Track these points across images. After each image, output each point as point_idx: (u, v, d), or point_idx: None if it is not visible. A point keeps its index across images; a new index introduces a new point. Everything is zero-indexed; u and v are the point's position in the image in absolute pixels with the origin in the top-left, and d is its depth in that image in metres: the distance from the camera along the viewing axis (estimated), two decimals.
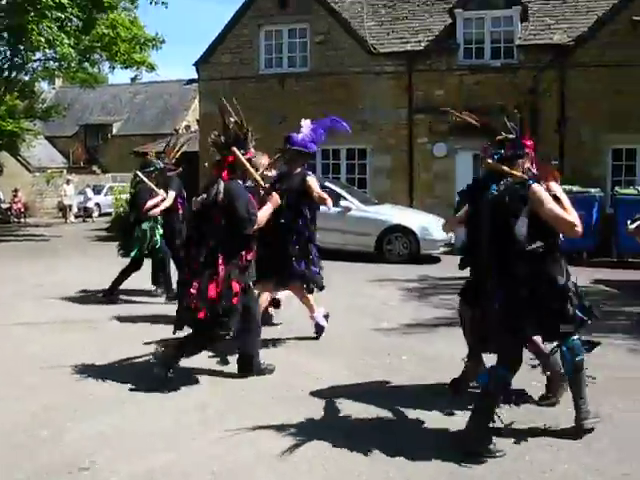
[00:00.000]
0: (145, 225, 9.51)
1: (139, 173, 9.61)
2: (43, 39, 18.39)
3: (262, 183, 6.07)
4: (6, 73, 23.19)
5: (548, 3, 19.14)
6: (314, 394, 5.52)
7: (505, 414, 4.80)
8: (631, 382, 5.89)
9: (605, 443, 4.55)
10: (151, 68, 22.42)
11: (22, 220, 30.89)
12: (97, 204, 33.42)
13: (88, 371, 6.08)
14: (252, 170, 5.89)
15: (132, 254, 9.63)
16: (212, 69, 20.61)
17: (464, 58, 18.59)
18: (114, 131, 44.90)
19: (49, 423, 4.86)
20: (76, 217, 31.35)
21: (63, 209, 31.83)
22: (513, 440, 4.57)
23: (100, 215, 32.24)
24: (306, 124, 7.11)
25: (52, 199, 35.70)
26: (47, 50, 19.68)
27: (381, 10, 20.47)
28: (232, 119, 5.95)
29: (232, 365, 6.16)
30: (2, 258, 15.56)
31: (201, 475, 4.09)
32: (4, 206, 31.62)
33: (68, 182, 31.94)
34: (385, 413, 5.08)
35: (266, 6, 19.98)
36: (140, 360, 6.50)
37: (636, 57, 16.96)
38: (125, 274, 9.80)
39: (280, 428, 4.77)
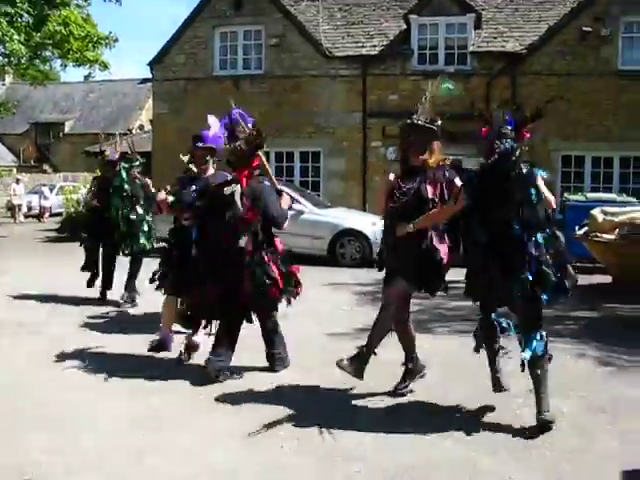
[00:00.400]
0: (149, 218, 9.57)
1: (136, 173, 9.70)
2: None
3: (277, 184, 6.48)
4: None
5: (501, 11, 19.44)
6: (270, 398, 5.51)
7: None
8: (576, 387, 5.96)
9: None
10: (104, 67, 22.13)
11: None
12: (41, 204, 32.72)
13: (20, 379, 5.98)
14: (270, 172, 6.62)
15: (148, 248, 9.53)
16: (166, 69, 20.43)
17: (418, 63, 18.75)
18: (66, 129, 44.22)
19: None
20: (26, 217, 30.70)
21: (12, 209, 31.16)
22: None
23: (50, 215, 31.65)
24: (213, 121, 6.78)
25: (1, 198, 34.95)
26: None
27: (336, 14, 20.54)
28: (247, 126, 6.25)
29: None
30: None
31: None
32: None
33: (18, 181, 31.28)
34: (338, 415, 5.09)
35: (221, 7, 19.90)
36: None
37: (585, 66, 17.38)
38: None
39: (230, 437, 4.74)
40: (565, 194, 15.74)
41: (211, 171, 6.88)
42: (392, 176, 5.55)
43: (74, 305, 9.46)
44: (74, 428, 4.87)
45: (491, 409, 5.36)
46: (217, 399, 5.53)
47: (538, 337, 5.02)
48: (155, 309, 8.08)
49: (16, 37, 18.57)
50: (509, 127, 5.03)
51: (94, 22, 21.14)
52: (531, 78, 17.85)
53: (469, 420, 5.13)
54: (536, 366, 4.95)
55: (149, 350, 6.84)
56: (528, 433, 4.83)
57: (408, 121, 5.54)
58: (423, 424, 5.00)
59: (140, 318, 8.67)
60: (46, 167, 42.08)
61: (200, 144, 6.79)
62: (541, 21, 18.80)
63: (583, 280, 12.54)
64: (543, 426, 4.83)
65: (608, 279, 12.14)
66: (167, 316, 6.90)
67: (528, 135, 5.09)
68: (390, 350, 5.84)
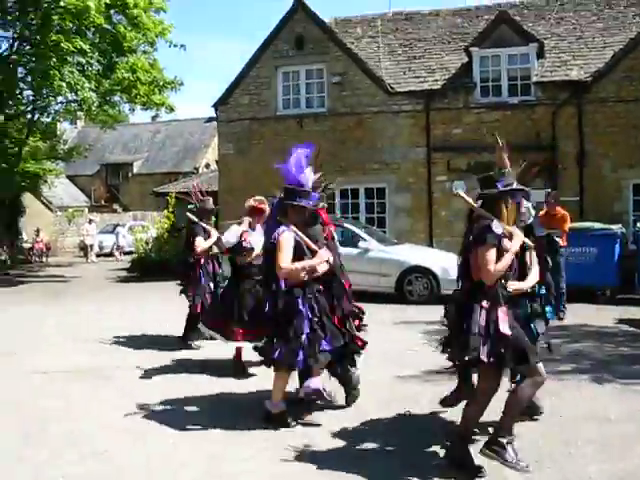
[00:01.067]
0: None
1: (189, 215, 9.68)
2: (65, 84, 18.64)
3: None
4: (29, 115, 23.59)
5: (564, 39, 19.22)
6: (338, 447, 5.46)
7: None
8: None
9: None
10: (170, 109, 22.67)
11: (44, 260, 31.11)
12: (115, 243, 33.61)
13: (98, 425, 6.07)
14: None
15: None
16: (231, 110, 20.80)
17: (481, 96, 18.63)
18: (135, 170, 45.40)
19: None
20: (97, 256, 31.50)
21: (84, 248, 32.05)
22: None
23: (122, 254, 32.45)
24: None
25: (73, 238, 36.01)
26: (68, 94, 19.92)
27: (397, 49, 20.64)
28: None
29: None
30: (23, 299, 15.68)
31: None
32: (26, 246, 31.88)
33: (90, 221, 32.22)
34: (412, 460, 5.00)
35: (283, 47, 20.21)
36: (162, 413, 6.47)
37: None
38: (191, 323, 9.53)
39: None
40: (638, 224, 15.35)
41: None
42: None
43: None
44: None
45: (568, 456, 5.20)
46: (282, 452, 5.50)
47: None
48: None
49: (87, 85, 19.21)
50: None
51: (160, 67, 21.72)
52: (597, 106, 17.53)
53: (541, 470, 4.98)
54: None
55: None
56: None
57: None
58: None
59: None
60: (116, 207, 43.21)
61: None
62: (606, 47, 18.50)
63: None
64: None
65: None
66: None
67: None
68: None
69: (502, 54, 18.53)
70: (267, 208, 7.55)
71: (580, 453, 5.29)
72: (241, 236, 7.85)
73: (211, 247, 9.42)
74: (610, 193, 17.34)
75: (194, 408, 6.70)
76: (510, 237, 4.95)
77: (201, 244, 9.34)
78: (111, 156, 46.71)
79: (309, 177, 6.20)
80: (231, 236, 7.91)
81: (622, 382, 7.52)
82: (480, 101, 18.59)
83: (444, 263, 14.65)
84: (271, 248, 6.01)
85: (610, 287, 14.39)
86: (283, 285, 5.92)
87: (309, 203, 6.13)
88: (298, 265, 5.93)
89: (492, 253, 4.80)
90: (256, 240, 7.75)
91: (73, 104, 22.19)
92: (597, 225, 14.59)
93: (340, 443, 5.60)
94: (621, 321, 11.64)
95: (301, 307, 5.91)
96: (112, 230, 34.77)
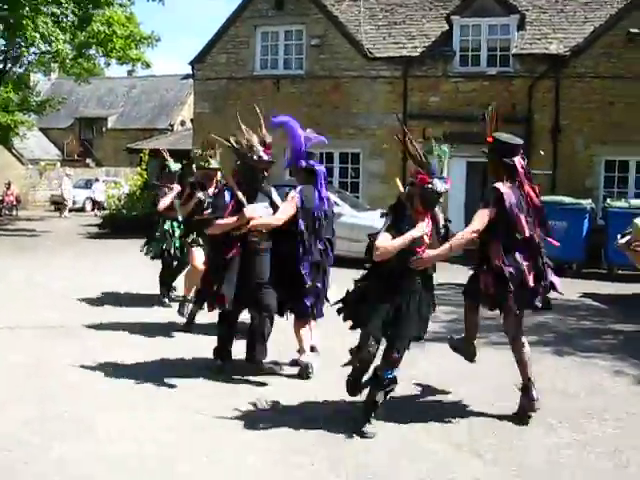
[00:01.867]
0: (167, 225, 9.58)
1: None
2: (38, 34, 18.31)
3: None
4: (0, 65, 23.11)
5: (545, 12, 19.16)
6: (298, 411, 5.51)
7: None
8: (612, 408, 5.87)
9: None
10: (147, 65, 22.39)
11: (14, 213, 30.75)
12: (90, 198, 33.34)
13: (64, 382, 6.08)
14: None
15: (151, 254, 9.73)
16: (207, 68, 20.57)
17: (460, 65, 18.59)
18: (109, 124, 44.78)
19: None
20: (70, 211, 31.16)
21: (56, 202, 31.68)
22: None
23: (93, 209, 32.22)
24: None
25: (45, 192, 35.61)
26: (42, 45, 19.55)
27: (378, 14, 20.45)
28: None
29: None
30: None
31: None
32: None
33: (68, 176, 31.82)
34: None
35: (263, 7, 19.96)
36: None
37: (631, 69, 17.02)
38: (162, 279, 9.76)
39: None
40: (608, 200, 15.49)
41: None
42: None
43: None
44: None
45: (524, 423, 5.33)
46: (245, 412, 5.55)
47: None
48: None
49: (61, 37, 18.85)
50: None
51: (137, 21, 21.39)
52: (574, 81, 17.58)
53: (493, 438, 5.08)
54: None
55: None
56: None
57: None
58: (442, 440, 4.98)
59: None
60: (89, 161, 42.67)
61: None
62: (586, 22, 18.50)
63: (624, 290, 12.53)
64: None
65: None
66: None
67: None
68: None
69: (483, 24, 18.46)
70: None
71: (537, 424, 5.40)
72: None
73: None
74: (582, 168, 17.49)
75: (159, 367, 6.71)
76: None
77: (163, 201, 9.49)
78: (85, 110, 45.99)
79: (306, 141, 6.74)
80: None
81: (582, 355, 7.67)
82: (458, 70, 18.55)
83: None
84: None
85: (577, 261, 14.60)
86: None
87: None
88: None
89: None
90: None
91: (47, 55, 21.79)
92: (567, 199, 14.72)
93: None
94: (585, 295, 11.82)
95: None
96: (85, 185, 34.43)
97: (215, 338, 6.64)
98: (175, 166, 9.86)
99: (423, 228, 5.08)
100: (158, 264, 9.87)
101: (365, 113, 19.07)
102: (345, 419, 5.30)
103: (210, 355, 6.64)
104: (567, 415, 5.62)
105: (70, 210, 31.30)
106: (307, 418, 5.36)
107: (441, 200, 5.18)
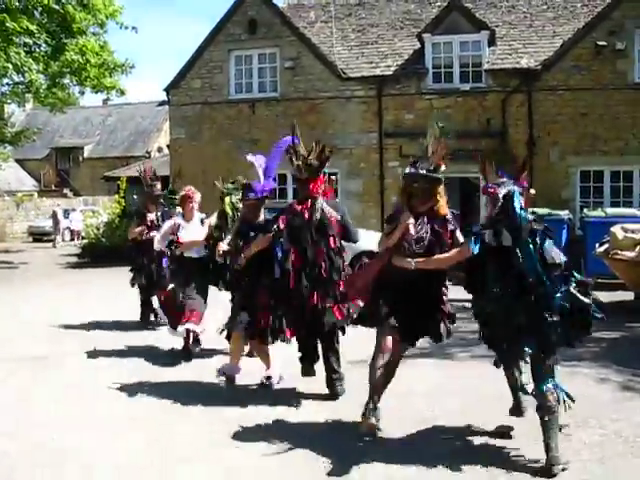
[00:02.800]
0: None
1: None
2: (11, 65, 18.21)
3: None
4: None
5: (515, 27, 19.44)
6: (289, 433, 5.48)
7: None
8: (597, 415, 5.89)
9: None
10: (121, 93, 22.25)
11: None
12: (69, 228, 33.25)
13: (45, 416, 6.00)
14: None
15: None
16: (182, 94, 20.61)
17: (433, 82, 18.76)
18: (85, 154, 44.69)
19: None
20: (44, 241, 31.06)
21: (45, 234, 32.08)
22: None
23: (72, 239, 32.06)
24: (257, 161, 6.94)
25: (23, 223, 35.34)
26: (15, 76, 19.49)
27: (350, 35, 20.64)
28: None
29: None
30: None
31: None
32: None
33: (59, 206, 32.50)
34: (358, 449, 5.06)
35: (236, 31, 20.06)
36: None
37: (601, 81, 17.31)
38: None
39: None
40: (585, 210, 15.64)
41: (262, 217, 6.92)
42: (412, 221, 5.38)
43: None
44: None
45: (509, 437, 5.31)
46: (235, 434, 5.51)
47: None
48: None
49: (34, 67, 18.79)
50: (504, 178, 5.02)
51: (110, 49, 21.28)
52: (546, 94, 17.80)
53: (483, 451, 5.08)
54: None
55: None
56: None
57: (412, 171, 5.44)
58: (441, 455, 4.97)
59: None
60: (66, 191, 42.48)
61: (252, 195, 6.79)
62: (555, 36, 18.78)
63: (605, 298, 12.54)
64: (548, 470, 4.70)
65: (630, 296, 11.98)
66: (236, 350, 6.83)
67: (525, 183, 5.08)
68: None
69: (454, 41, 18.67)
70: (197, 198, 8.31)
71: (526, 434, 5.40)
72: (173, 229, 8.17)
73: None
74: (558, 180, 17.67)
75: (144, 393, 6.66)
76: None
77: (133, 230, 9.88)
78: (61, 140, 45.89)
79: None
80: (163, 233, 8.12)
81: (566, 364, 7.66)
82: (432, 87, 18.73)
83: None
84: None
85: None
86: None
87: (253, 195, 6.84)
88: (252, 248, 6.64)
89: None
90: (192, 231, 8.06)
91: (20, 86, 21.68)
92: (545, 211, 14.83)
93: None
94: None
95: None
96: (62, 215, 34.27)
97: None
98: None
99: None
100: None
101: (341, 133, 19.17)
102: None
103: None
104: None
105: (48, 241, 31.21)
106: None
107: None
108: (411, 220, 5.33)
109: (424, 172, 5.34)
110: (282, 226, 6.21)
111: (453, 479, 4.63)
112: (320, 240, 6.17)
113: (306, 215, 6.21)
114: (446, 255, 5.25)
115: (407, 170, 5.40)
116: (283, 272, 6.12)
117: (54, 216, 31.62)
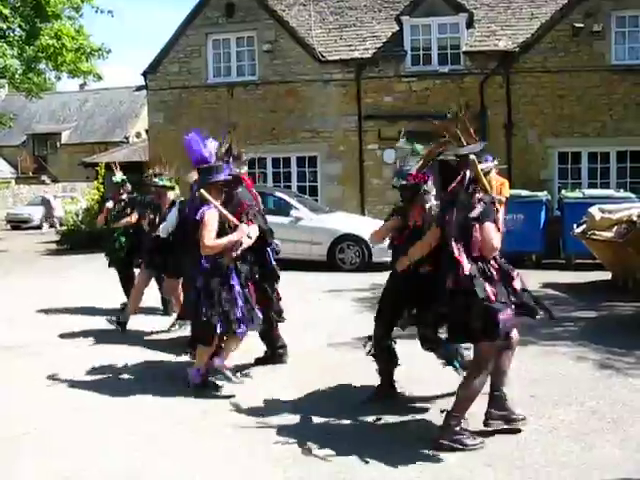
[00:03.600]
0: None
1: None
2: None
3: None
4: None
5: (493, 9, 19.43)
6: (270, 417, 5.51)
7: None
8: (575, 393, 5.98)
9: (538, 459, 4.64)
10: (98, 78, 22.04)
11: None
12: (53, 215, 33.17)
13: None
14: None
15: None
16: (160, 78, 20.44)
17: (412, 65, 18.74)
18: (63, 139, 44.26)
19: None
20: (24, 229, 30.84)
21: (24, 221, 31.84)
22: None
23: (50, 227, 31.85)
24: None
25: (0, 211, 35.02)
26: None
27: (328, 17, 20.53)
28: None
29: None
30: None
31: None
32: None
33: (55, 197, 32.34)
34: (337, 429, 5.10)
35: (213, 15, 19.89)
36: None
37: (578, 62, 17.39)
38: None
39: (237, 456, 4.76)
40: (562, 191, 15.77)
41: None
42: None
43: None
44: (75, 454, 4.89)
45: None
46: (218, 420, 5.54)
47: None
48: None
49: (9, 52, 18.57)
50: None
51: (86, 34, 21.03)
52: (524, 76, 17.85)
53: (471, 425, 5.14)
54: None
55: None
56: None
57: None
58: (411, 433, 5.03)
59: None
60: (44, 178, 42.09)
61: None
62: (533, 18, 18.78)
63: (582, 278, 12.77)
64: None
65: (607, 276, 12.13)
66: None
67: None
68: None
69: (432, 23, 18.62)
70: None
71: None
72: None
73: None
74: (537, 161, 17.77)
75: (126, 382, 6.66)
76: None
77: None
78: (38, 125, 45.39)
79: (211, 150, 6.30)
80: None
81: (545, 344, 7.79)
82: (411, 70, 18.69)
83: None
84: (195, 226, 5.99)
85: (536, 253, 14.83)
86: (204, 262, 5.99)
87: (227, 174, 6.22)
88: (223, 240, 5.99)
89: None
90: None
91: None
92: (524, 192, 14.94)
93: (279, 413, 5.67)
94: (546, 285, 12.00)
95: (233, 281, 6.07)
96: (40, 202, 34.09)
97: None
98: (118, 177, 9.95)
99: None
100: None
101: (320, 116, 19.13)
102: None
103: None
104: (532, 402, 5.72)
105: (25, 228, 31.05)
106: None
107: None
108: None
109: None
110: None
111: None
112: None
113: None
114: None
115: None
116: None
117: (46, 202, 31.57)
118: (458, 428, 4.79)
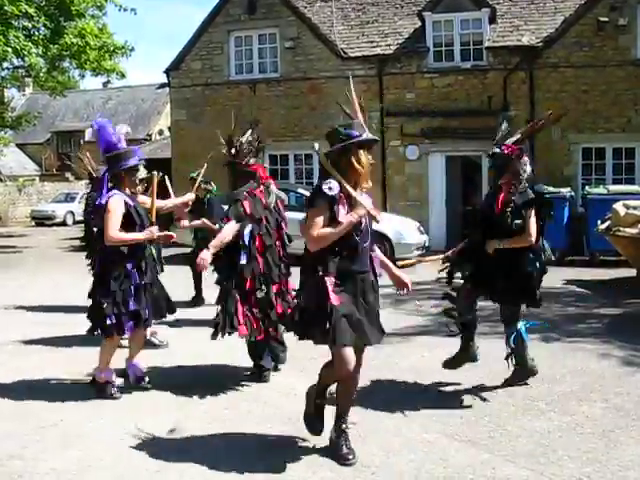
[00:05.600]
0: None
1: None
2: (10, 49, 18.17)
3: None
4: None
5: (516, 4, 19.28)
6: (291, 411, 5.52)
7: None
8: (599, 389, 5.94)
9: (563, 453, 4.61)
10: (122, 76, 22.24)
11: None
12: (71, 212, 33.40)
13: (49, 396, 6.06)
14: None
15: None
16: (183, 76, 20.54)
17: (434, 61, 18.65)
18: (87, 137, 44.49)
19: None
20: (49, 226, 31.13)
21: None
22: None
23: (74, 223, 32.11)
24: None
25: (25, 208, 35.39)
26: (14, 59, 19.44)
27: (350, 14, 20.50)
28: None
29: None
30: None
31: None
32: None
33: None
34: (361, 426, 5.09)
35: (235, 12, 19.95)
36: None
37: (603, 57, 17.21)
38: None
39: (259, 448, 4.78)
40: (587, 187, 15.65)
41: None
42: None
43: None
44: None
45: (512, 414, 5.36)
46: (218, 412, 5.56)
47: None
48: None
49: (34, 50, 18.76)
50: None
51: (110, 32, 21.22)
52: (548, 71, 17.70)
53: (485, 425, 5.13)
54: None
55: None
56: None
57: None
58: (436, 430, 5.02)
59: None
60: (68, 175, 42.40)
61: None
62: (557, 13, 18.62)
63: (607, 275, 12.66)
64: None
65: (632, 272, 12.01)
66: None
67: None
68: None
69: (455, 19, 18.53)
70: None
71: (527, 409, 5.46)
72: None
73: None
74: (560, 157, 17.62)
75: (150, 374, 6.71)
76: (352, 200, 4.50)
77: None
78: (62, 123, 45.73)
79: (120, 135, 5.99)
80: None
81: (569, 340, 7.76)
82: (433, 66, 18.62)
83: (398, 227, 14.85)
84: (100, 212, 5.78)
85: (559, 249, 14.73)
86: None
87: (137, 159, 5.97)
88: (127, 237, 5.79)
89: (318, 217, 4.40)
90: None
91: (20, 70, 21.67)
92: (547, 189, 14.83)
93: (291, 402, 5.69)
94: (569, 282, 11.93)
95: (130, 270, 5.87)
96: (64, 199, 34.47)
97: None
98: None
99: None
100: None
101: (342, 113, 19.04)
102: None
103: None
104: (556, 399, 5.70)
105: (50, 225, 31.37)
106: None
107: None
108: None
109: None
110: (248, 211, 6.11)
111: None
112: (275, 224, 6.32)
113: (263, 200, 6.27)
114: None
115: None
116: (250, 258, 6.07)
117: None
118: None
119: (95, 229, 6.35)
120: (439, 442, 4.85)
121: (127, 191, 5.89)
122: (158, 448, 4.83)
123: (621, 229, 11.41)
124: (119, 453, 4.77)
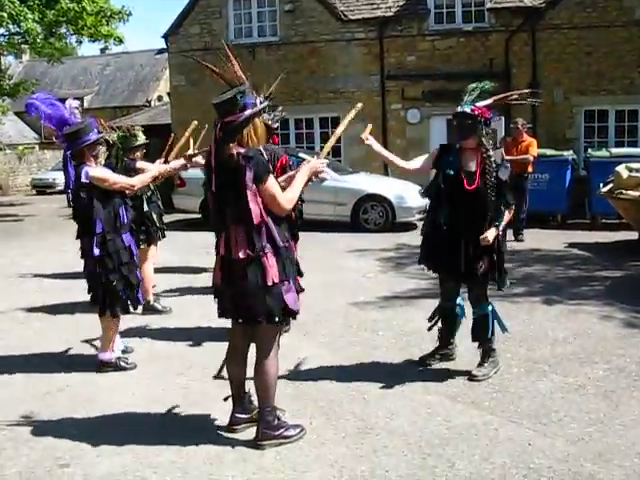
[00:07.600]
0: None
1: None
2: (5, 14, 17.98)
3: None
4: None
5: None
6: (295, 374, 5.55)
7: None
8: (601, 351, 5.97)
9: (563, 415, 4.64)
10: (119, 41, 22.00)
11: None
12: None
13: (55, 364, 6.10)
14: None
15: None
16: (181, 40, 20.33)
17: (435, 23, 18.44)
18: (85, 104, 44.18)
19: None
20: (50, 194, 31.02)
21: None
22: None
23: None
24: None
25: (25, 176, 35.28)
26: (10, 25, 19.22)
27: None
28: None
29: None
30: None
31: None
32: None
33: None
34: (365, 389, 5.13)
35: None
36: None
37: (606, 18, 17.00)
38: None
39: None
40: (589, 150, 15.55)
41: None
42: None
43: None
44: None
45: (515, 376, 5.39)
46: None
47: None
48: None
49: (30, 16, 18.54)
50: None
51: None
52: (551, 33, 17.50)
53: (488, 387, 5.16)
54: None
55: None
56: None
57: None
58: (438, 392, 5.06)
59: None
60: None
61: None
62: None
63: (608, 238, 12.66)
64: None
65: (634, 236, 12.00)
66: None
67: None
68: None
69: None
70: None
71: (530, 371, 5.49)
72: None
73: None
74: (562, 120, 17.50)
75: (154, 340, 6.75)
76: None
77: None
78: (60, 90, 45.26)
79: (70, 109, 5.77)
80: None
81: (571, 303, 7.77)
82: (434, 28, 18.40)
83: (399, 191, 14.81)
84: (87, 188, 5.52)
85: (561, 212, 14.72)
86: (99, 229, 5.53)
87: (97, 132, 5.82)
88: (144, 177, 6.04)
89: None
90: None
91: (16, 36, 21.42)
92: (549, 152, 14.76)
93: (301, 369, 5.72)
94: (571, 245, 11.93)
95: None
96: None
97: None
98: None
99: None
100: None
101: (342, 76, 18.96)
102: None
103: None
104: (558, 361, 5.73)
105: (51, 193, 31.27)
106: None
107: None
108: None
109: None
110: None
111: None
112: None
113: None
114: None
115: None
116: None
117: None
118: (276, 421, 4.39)
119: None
120: (442, 404, 4.88)
121: (92, 164, 5.67)
122: (165, 411, 4.88)
123: (623, 192, 11.35)
124: (128, 417, 4.82)
